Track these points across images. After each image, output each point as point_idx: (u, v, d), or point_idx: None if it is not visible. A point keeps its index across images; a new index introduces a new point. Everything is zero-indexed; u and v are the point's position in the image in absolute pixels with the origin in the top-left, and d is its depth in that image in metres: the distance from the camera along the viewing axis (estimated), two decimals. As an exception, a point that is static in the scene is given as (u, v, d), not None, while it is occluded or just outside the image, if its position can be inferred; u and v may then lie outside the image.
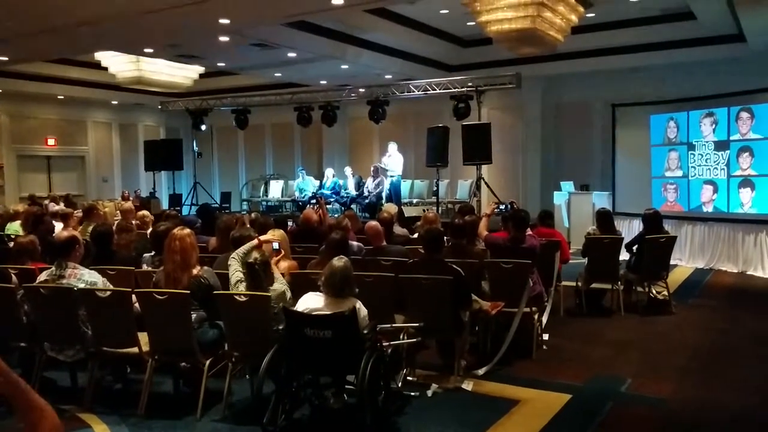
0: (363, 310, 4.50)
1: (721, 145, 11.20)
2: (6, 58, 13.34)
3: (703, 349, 6.68)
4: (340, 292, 4.48)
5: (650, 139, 12.50)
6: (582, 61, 14.39)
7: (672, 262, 9.20)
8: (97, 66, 15.90)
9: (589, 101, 16.05)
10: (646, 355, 6.48)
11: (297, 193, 17.67)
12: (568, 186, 14.21)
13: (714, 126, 11.32)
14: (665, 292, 8.32)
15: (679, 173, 11.94)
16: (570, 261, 8.36)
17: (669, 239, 8.42)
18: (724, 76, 12.99)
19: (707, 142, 11.42)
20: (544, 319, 6.89)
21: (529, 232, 6.90)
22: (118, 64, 15.28)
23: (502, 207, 10.91)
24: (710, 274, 10.91)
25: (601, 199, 13.17)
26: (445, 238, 6.18)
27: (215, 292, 5.03)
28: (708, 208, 11.53)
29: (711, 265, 11.36)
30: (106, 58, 15.14)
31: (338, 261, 4.59)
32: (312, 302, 4.54)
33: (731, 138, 11.05)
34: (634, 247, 8.39)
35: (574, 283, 8.36)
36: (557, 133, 16.79)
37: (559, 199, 14.09)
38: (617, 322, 7.75)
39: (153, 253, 6.44)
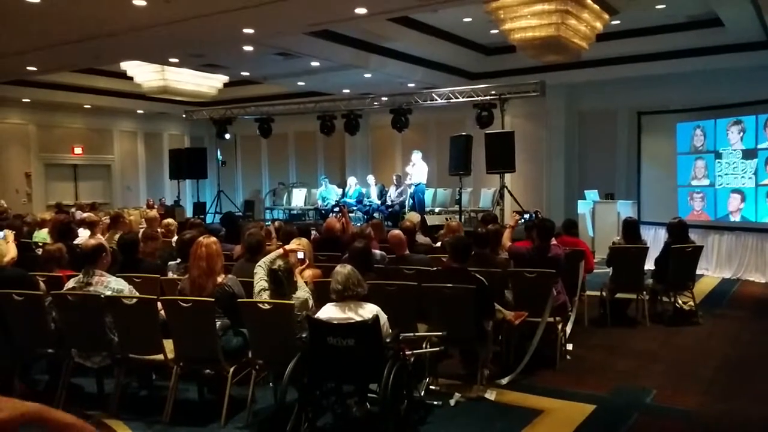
0: (383, 317, 4.50)
1: (749, 154, 11.04)
2: (34, 68, 13.56)
3: (730, 361, 6.58)
4: (352, 293, 4.49)
5: (676, 147, 12.35)
6: (607, 69, 14.28)
7: (698, 272, 9.08)
8: (122, 76, 16.07)
9: (613, 109, 15.91)
10: (671, 367, 6.40)
11: (320, 202, 17.66)
12: (592, 195, 14.09)
13: (742, 134, 11.16)
14: (691, 303, 8.21)
15: (706, 182, 11.78)
16: (594, 270, 8.30)
17: (695, 249, 8.32)
18: (751, 83, 12.82)
19: (735, 150, 11.26)
20: (568, 329, 6.84)
21: (553, 241, 6.87)
22: (143, 73, 15.46)
23: (526, 216, 10.87)
24: (737, 285, 10.72)
25: (626, 208, 13.02)
26: (468, 247, 6.16)
27: (239, 300, 5.06)
28: (735, 218, 11.36)
29: (738, 275, 11.16)
30: (132, 67, 15.30)
31: (342, 268, 4.63)
32: (332, 312, 4.55)
33: (759, 146, 10.88)
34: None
35: (598, 293, 8.29)
36: (582, 142, 16.67)
37: (584, 207, 13.96)
38: (642, 333, 7.66)
39: (178, 261, 6.50)
